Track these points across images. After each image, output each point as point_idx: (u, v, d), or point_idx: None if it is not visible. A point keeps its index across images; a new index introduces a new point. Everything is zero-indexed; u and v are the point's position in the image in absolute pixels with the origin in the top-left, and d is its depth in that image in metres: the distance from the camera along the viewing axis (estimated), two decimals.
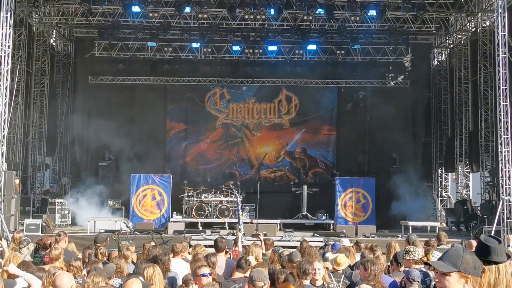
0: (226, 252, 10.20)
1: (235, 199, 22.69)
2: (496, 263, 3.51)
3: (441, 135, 28.48)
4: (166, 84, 28.20)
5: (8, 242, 13.26)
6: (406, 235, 14.76)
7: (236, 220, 21.43)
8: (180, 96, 28.52)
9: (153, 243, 10.78)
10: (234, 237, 13.90)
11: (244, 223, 20.05)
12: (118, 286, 6.94)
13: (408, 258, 8.26)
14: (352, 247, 11.20)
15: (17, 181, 20.23)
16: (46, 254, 9.17)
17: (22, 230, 18.30)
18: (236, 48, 26.70)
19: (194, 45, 26.57)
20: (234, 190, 23.25)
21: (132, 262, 9.49)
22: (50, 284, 6.81)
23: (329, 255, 9.15)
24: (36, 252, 10.95)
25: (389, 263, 9.32)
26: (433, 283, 7.59)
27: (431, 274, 7.98)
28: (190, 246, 17.59)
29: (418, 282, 7.41)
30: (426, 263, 6.35)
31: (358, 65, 27.35)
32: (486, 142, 23.46)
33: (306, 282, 7.00)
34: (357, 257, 10.19)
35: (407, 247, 8.79)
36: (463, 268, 3.34)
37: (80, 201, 23.15)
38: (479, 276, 3.36)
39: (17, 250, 10.53)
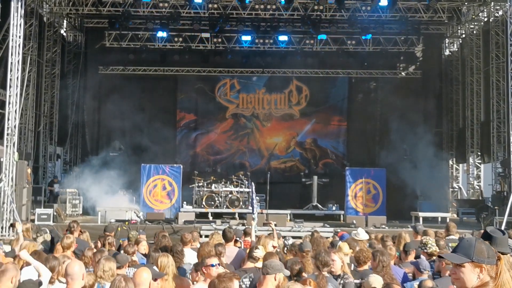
0: (236, 242, 10.21)
1: (246, 189, 22.71)
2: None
3: (453, 126, 28.31)
4: (176, 75, 28.19)
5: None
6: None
7: (247, 211, 21.45)
8: (190, 87, 28.52)
9: (162, 233, 10.79)
10: (243, 227, 13.91)
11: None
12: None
13: (426, 251, 8.25)
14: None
15: (28, 171, 20.36)
16: (58, 240, 9.24)
17: (34, 220, 18.48)
18: (246, 38, 26.61)
19: (204, 35, 26.51)
20: (245, 180, 23.24)
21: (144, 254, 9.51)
22: (61, 273, 6.86)
23: (339, 244, 9.13)
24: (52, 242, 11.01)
25: (398, 254, 9.31)
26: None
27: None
28: (200, 236, 17.73)
29: (428, 272, 7.40)
30: (439, 257, 6.32)
31: (369, 56, 27.20)
32: (498, 132, 23.31)
33: (325, 274, 6.97)
34: None
35: (424, 239, 8.75)
36: (476, 258, 3.33)
37: (91, 191, 23.24)
38: (494, 264, 3.34)
39: (28, 239, 10.58)
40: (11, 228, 16.90)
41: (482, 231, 11.51)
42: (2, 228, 17.17)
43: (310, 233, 13.24)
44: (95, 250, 8.07)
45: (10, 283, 5.65)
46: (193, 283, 6.95)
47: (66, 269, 5.84)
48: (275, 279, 5.91)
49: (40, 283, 6.09)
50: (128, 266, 7.57)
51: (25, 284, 5.79)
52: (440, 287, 6.38)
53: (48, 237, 11.28)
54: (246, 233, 11.54)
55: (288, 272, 6.42)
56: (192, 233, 10.56)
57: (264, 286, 5.92)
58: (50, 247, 10.80)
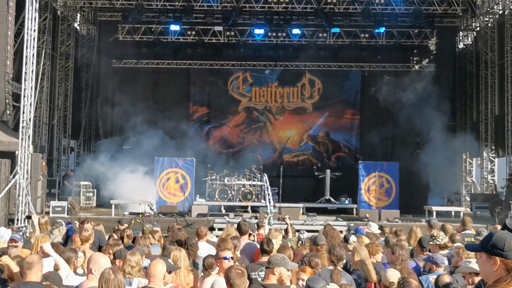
0: (250, 235, 10.24)
1: (259, 183, 22.72)
2: None
3: (466, 120, 28.12)
4: (189, 68, 28.25)
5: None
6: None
7: (260, 204, 21.48)
8: (203, 80, 28.56)
9: (178, 226, 10.85)
10: (257, 221, 13.94)
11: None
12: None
13: (433, 243, 8.22)
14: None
15: (43, 164, 20.49)
16: (75, 232, 9.30)
17: (48, 213, 18.63)
18: (259, 31, 26.59)
19: (217, 28, 26.52)
20: (258, 173, 23.24)
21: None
22: (77, 265, 6.93)
23: (352, 238, 9.15)
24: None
25: (410, 248, 9.29)
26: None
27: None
28: (214, 229, 17.81)
29: (444, 265, 7.38)
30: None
31: (382, 49, 27.10)
32: None
33: (339, 268, 6.97)
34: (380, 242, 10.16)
35: (432, 232, 8.74)
36: (488, 249, 3.17)
37: (105, 183, 23.36)
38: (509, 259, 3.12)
39: (44, 231, 10.68)
40: (27, 220, 17.05)
41: (497, 225, 11.49)
42: (17, 220, 17.29)
43: (323, 227, 13.23)
44: (112, 243, 8.13)
45: (40, 273, 5.74)
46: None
47: (88, 261, 5.88)
48: (274, 273, 5.98)
49: None
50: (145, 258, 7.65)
51: (52, 276, 5.85)
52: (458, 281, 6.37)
53: (63, 229, 11.38)
54: (259, 227, 11.58)
55: (294, 265, 6.47)
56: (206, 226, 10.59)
57: (269, 280, 6.02)
58: (65, 240, 10.91)
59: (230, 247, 7.65)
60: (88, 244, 8.38)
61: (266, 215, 14.62)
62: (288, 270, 6.13)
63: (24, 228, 9.22)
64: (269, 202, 19.42)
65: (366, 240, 8.53)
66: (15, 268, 6.44)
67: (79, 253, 7.26)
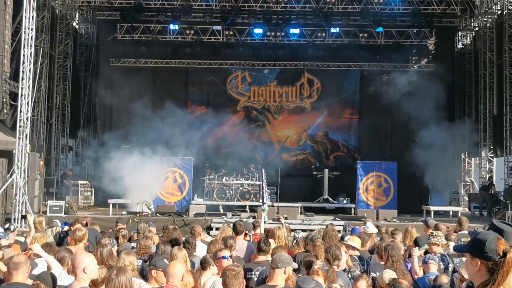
0: (246, 235, 10.23)
1: (257, 182, 22.69)
2: None
3: (465, 119, 28.06)
4: (188, 67, 28.22)
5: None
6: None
7: (258, 203, 21.44)
8: (202, 79, 28.53)
9: (172, 226, 10.83)
10: (253, 220, 13.92)
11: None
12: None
13: (434, 241, 8.22)
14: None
15: (41, 163, 20.45)
16: (69, 234, 9.27)
17: (46, 212, 18.60)
18: (258, 30, 26.59)
19: (216, 27, 26.51)
20: (256, 173, 23.21)
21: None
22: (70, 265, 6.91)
23: (347, 238, 9.16)
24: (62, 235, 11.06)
25: (405, 248, 9.28)
26: (450, 265, 7.59)
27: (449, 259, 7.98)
28: (211, 228, 17.80)
29: (434, 262, 7.38)
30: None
31: (381, 48, 27.09)
32: (510, 126, 23.09)
33: (335, 268, 6.94)
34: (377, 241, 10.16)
35: (434, 233, 8.74)
36: (471, 250, 3.12)
37: (103, 182, 23.32)
38: (493, 260, 3.03)
39: (40, 231, 10.65)
40: (23, 220, 17.03)
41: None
42: (14, 219, 17.27)
43: (321, 226, 13.24)
44: (107, 241, 8.11)
45: (27, 274, 5.71)
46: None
47: (73, 261, 5.86)
48: (285, 273, 5.93)
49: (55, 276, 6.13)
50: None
51: (43, 275, 5.82)
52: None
53: (58, 229, 11.35)
54: (255, 226, 11.55)
55: (295, 265, 6.45)
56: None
57: (274, 280, 5.94)
58: (58, 240, 10.89)
59: (219, 248, 7.62)
60: (82, 244, 8.35)
61: (263, 212, 14.62)
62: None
63: (6, 225, 9.11)
64: (265, 199, 19.41)
65: (358, 240, 8.53)
66: (3, 268, 6.41)
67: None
